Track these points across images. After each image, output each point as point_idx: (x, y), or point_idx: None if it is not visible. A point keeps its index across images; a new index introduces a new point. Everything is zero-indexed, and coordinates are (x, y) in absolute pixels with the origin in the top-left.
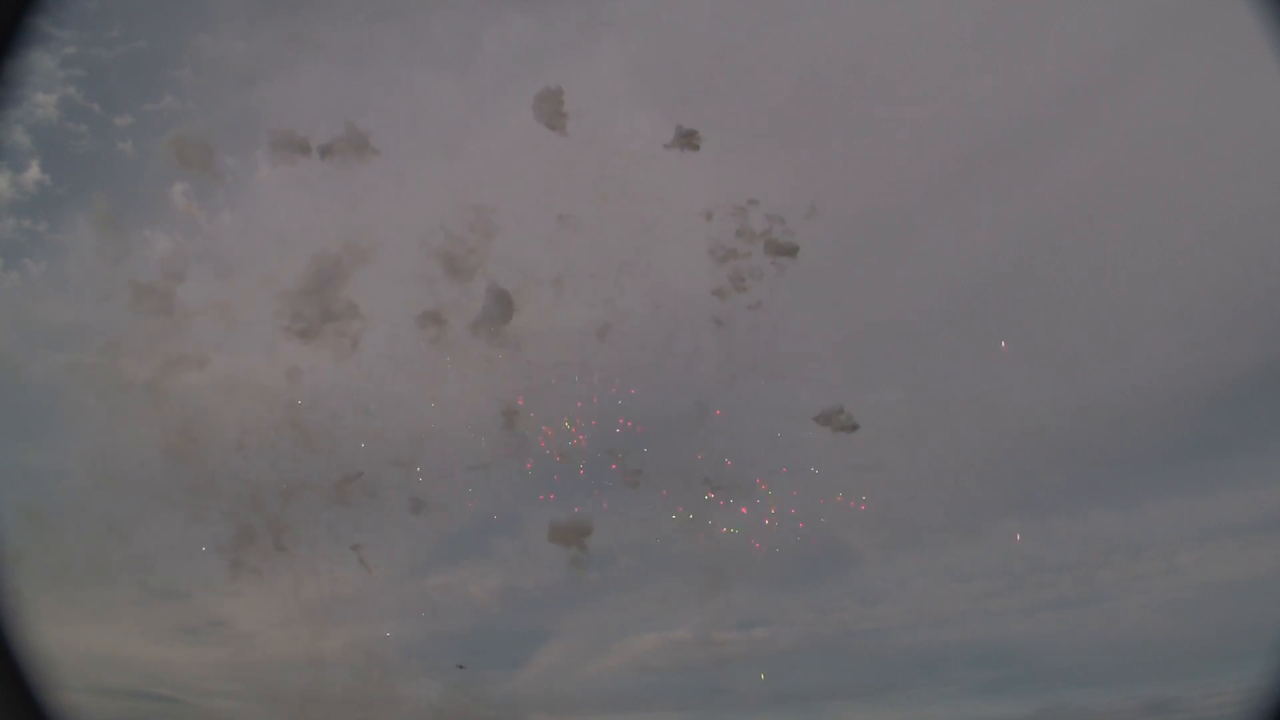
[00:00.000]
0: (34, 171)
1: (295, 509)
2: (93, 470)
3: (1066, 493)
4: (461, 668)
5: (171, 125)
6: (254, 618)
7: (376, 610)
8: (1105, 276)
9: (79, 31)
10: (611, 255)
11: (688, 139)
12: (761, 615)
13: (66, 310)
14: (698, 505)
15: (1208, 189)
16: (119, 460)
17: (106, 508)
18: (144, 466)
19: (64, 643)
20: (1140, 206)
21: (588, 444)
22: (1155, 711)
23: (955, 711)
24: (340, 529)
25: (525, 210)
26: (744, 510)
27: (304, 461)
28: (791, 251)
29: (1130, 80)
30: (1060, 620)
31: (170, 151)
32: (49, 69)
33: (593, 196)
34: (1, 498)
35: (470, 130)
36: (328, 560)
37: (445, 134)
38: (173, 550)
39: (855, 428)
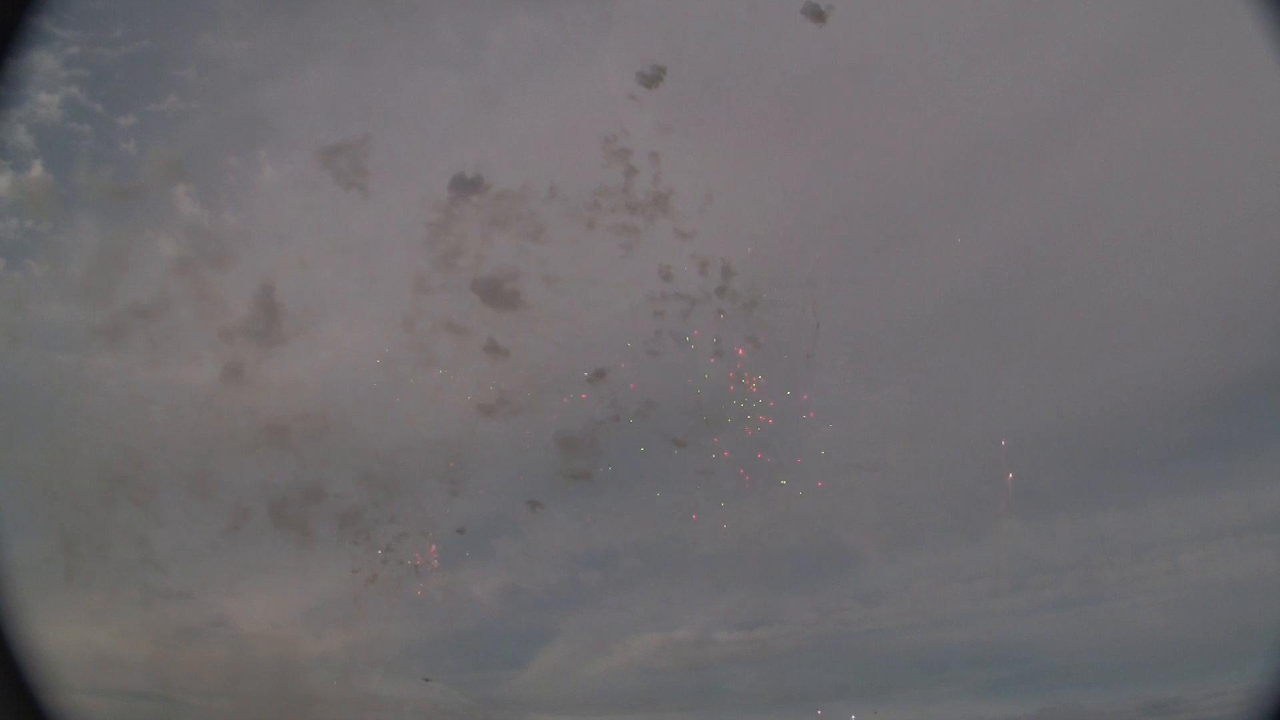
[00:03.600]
0: (36, 171)
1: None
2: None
3: (1069, 493)
4: (428, 680)
5: (175, 125)
6: (254, 618)
7: (377, 611)
8: (1107, 277)
9: (82, 31)
10: None
11: (468, 190)
12: (763, 615)
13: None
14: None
15: (1208, 189)
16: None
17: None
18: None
19: (64, 643)
20: (1141, 207)
21: None
22: (1156, 711)
23: (957, 711)
24: None
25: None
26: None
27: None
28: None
29: (1131, 81)
30: (1062, 620)
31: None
32: (52, 69)
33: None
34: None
35: None
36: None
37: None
38: (174, 550)
39: None
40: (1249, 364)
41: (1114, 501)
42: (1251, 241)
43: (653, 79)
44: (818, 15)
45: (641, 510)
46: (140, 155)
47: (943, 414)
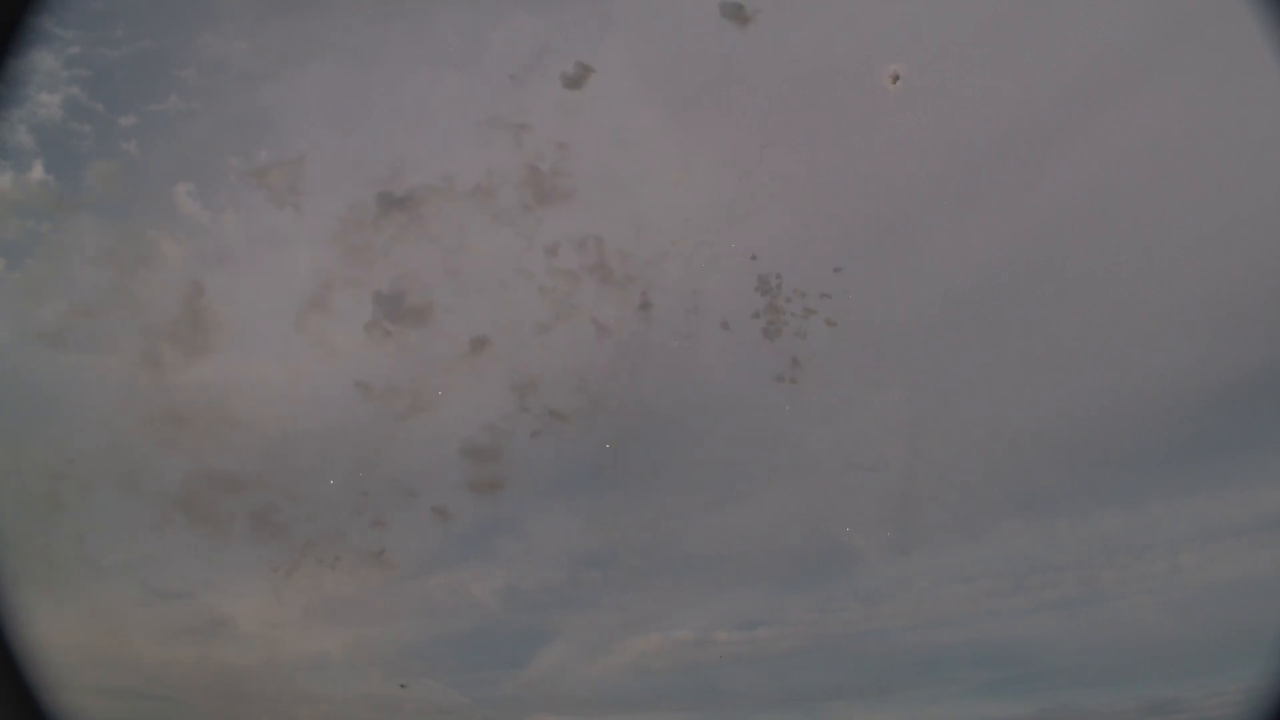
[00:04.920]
0: (37, 172)
1: None
2: None
3: (1070, 493)
4: (404, 687)
5: (176, 125)
6: (255, 618)
7: (377, 611)
8: (1108, 276)
9: (83, 31)
10: None
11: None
12: (763, 615)
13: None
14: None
15: (1209, 189)
16: None
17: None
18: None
19: (64, 643)
20: (1141, 207)
21: None
22: (1157, 711)
23: (957, 711)
24: None
25: None
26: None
27: None
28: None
29: (1132, 81)
30: (1063, 620)
31: None
32: (52, 69)
33: None
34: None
35: None
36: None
37: None
38: (173, 549)
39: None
40: (1249, 364)
41: (1114, 501)
42: (1251, 241)
43: (576, 80)
44: (740, 16)
45: (640, 510)
46: (144, 157)
47: (943, 414)
